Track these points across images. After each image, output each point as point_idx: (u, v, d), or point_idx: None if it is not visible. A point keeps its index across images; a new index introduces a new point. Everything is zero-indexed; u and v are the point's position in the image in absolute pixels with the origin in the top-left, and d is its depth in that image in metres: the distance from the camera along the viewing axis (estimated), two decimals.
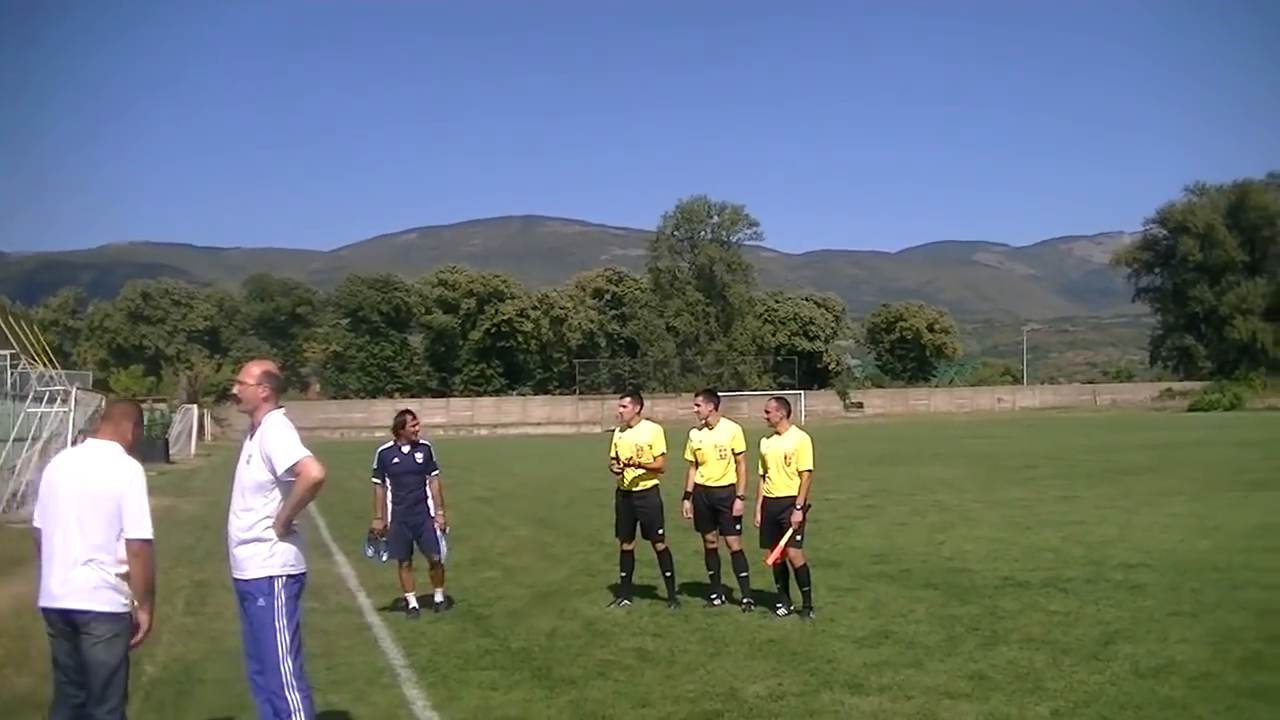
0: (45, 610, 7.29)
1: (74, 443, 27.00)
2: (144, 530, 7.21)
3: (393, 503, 13.80)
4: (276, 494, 7.52)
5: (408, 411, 14.52)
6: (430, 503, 13.98)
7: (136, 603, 7.26)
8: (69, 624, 7.21)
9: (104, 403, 7.90)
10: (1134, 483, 28.48)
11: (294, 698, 7.45)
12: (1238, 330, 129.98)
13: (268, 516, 7.50)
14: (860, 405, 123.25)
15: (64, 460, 7.69)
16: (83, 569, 7.15)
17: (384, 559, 13.77)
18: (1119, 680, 9.58)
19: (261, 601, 7.47)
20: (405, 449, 13.97)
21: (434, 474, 14.08)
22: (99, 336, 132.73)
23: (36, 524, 7.50)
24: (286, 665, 7.47)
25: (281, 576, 7.51)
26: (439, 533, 13.99)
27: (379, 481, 13.95)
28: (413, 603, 13.78)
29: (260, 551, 7.50)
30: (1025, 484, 29.30)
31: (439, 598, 14.14)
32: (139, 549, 7.18)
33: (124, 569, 7.21)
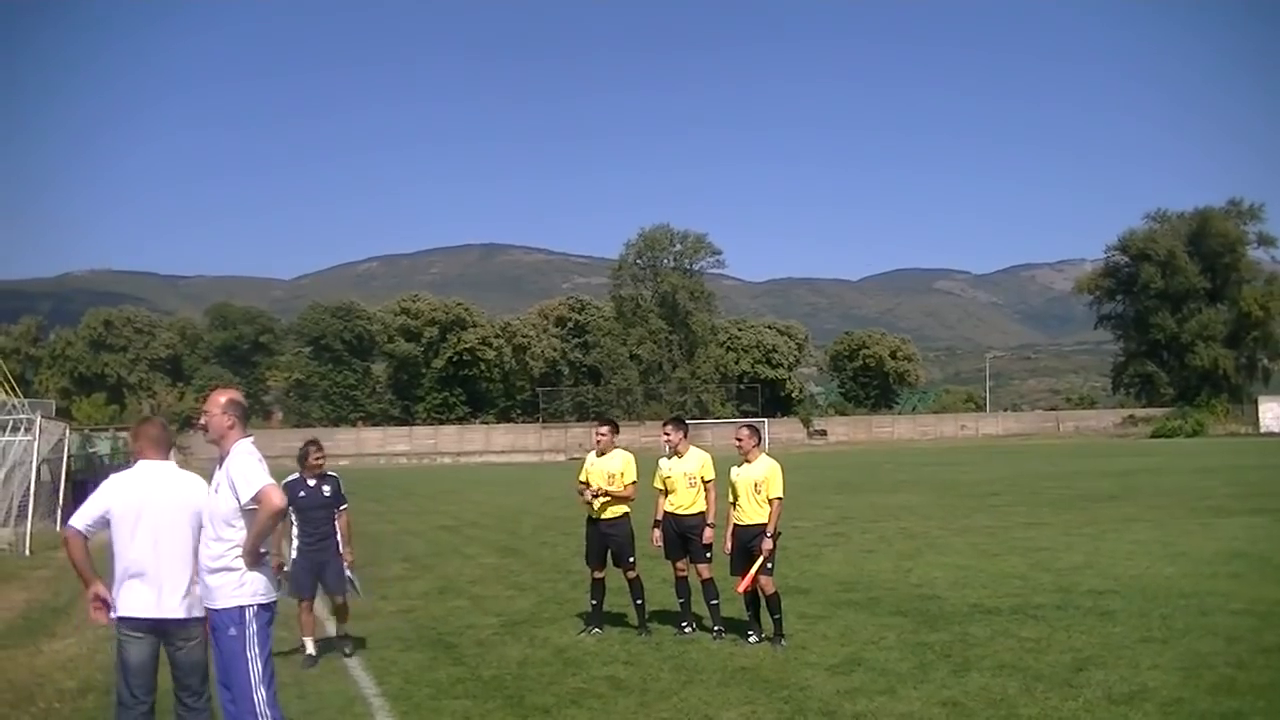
0: (130, 620, 7.68)
1: (38, 471, 26.93)
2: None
3: (299, 538, 13.07)
4: (244, 523, 7.50)
5: (312, 442, 13.54)
6: (339, 539, 13.31)
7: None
8: (159, 632, 7.71)
9: (142, 424, 7.95)
10: (1099, 509, 28.57)
11: None
12: (1199, 357, 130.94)
13: (237, 545, 7.48)
14: (824, 433, 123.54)
15: (140, 480, 7.94)
16: (179, 581, 7.66)
17: (283, 593, 13.20)
18: (1092, 707, 9.58)
19: (233, 631, 7.46)
20: (312, 482, 13.19)
21: (343, 508, 13.43)
22: (60, 365, 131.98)
23: (91, 534, 7.78)
24: (259, 694, 7.46)
25: (252, 605, 7.51)
26: (347, 571, 13.35)
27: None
28: (310, 649, 12.87)
29: (230, 581, 7.49)
30: (991, 511, 29.37)
31: (343, 635, 13.46)
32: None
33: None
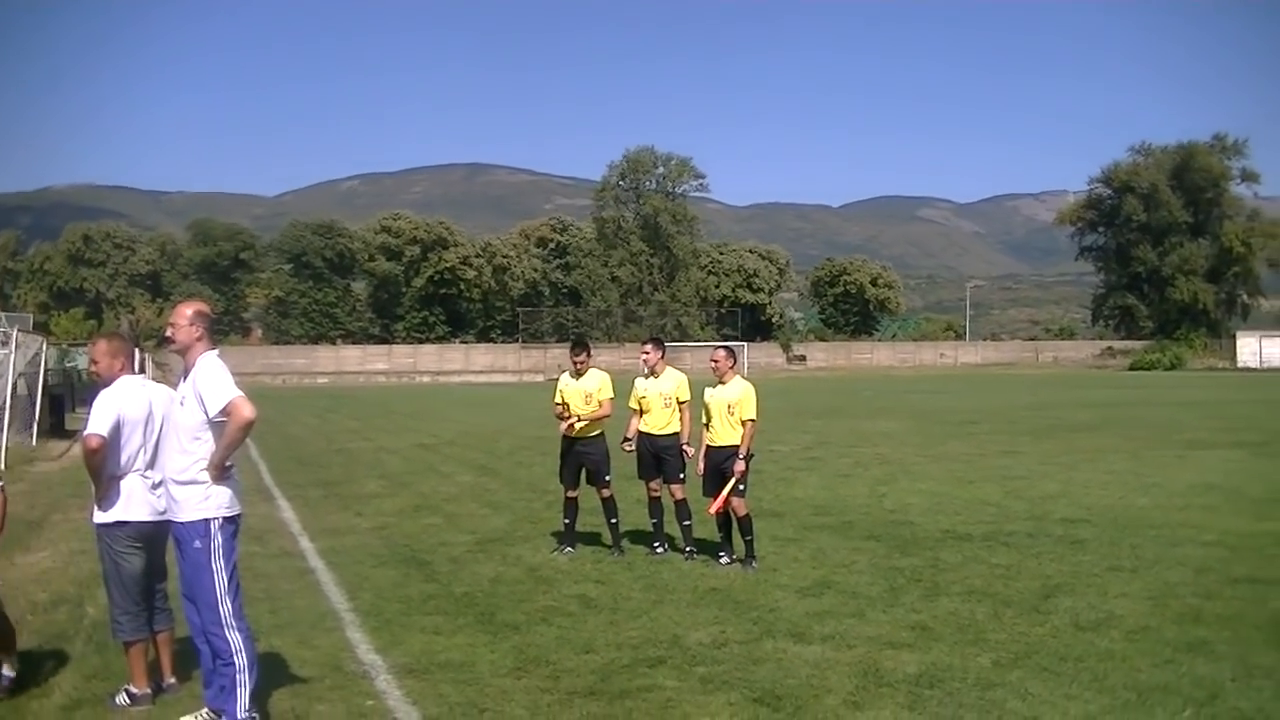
0: (132, 524, 8.01)
1: (14, 386, 26.85)
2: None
3: None
4: (210, 436, 7.47)
5: None
6: None
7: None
8: (158, 535, 8.11)
9: (114, 340, 7.89)
10: (1074, 439, 28.70)
11: (234, 638, 7.43)
12: (1180, 291, 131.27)
13: (202, 459, 7.45)
14: (803, 358, 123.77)
15: (141, 390, 8.22)
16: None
17: None
18: (1059, 633, 9.63)
19: (198, 544, 7.44)
20: None
21: None
22: (39, 279, 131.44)
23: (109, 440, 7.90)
24: (225, 606, 7.45)
25: (217, 518, 7.48)
26: None
27: None
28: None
29: (196, 494, 7.46)
30: (967, 439, 29.48)
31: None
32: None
33: None
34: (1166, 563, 12.54)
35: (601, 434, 13.82)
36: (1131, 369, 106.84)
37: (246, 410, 7.34)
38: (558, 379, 14.38)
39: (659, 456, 13.42)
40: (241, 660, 7.40)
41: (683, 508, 13.30)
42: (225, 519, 7.53)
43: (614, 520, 13.81)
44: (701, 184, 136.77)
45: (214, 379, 7.44)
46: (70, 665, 9.19)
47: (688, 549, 13.26)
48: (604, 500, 13.76)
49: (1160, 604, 10.57)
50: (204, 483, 7.45)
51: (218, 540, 7.46)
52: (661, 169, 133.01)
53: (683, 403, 13.44)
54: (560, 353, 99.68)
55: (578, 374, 13.81)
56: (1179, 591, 11.09)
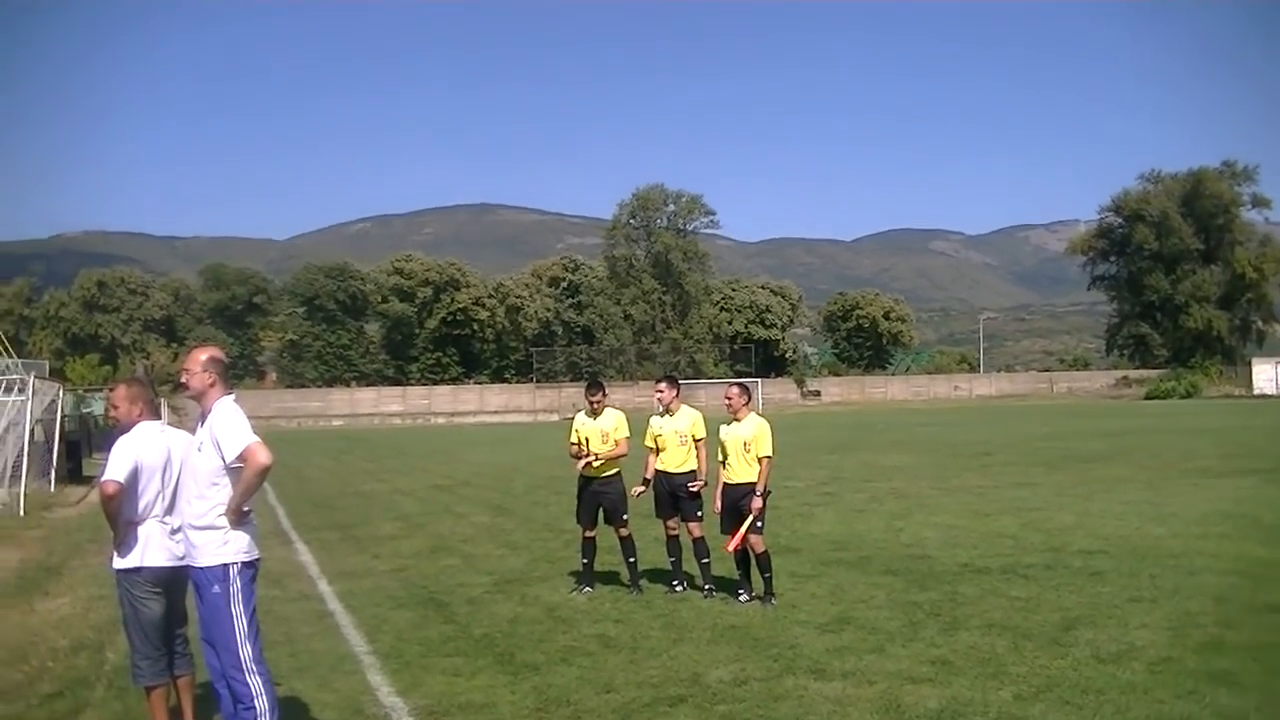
0: (150, 570, 8.04)
1: (31, 432, 26.93)
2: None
3: None
4: (228, 481, 7.50)
5: None
6: None
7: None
8: (177, 580, 8.10)
9: (134, 385, 7.94)
10: (1090, 470, 28.62)
11: (255, 681, 7.44)
12: (1193, 318, 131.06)
13: (220, 504, 7.48)
14: (817, 393, 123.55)
15: (159, 436, 8.27)
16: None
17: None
18: (1080, 665, 9.60)
19: (216, 588, 7.47)
20: None
21: None
22: (54, 325, 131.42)
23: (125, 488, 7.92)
24: (245, 650, 7.47)
25: (236, 563, 7.51)
26: None
27: None
28: None
29: (214, 539, 7.49)
30: (982, 471, 29.41)
31: None
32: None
33: None
34: (1186, 592, 12.50)
35: (618, 473, 13.81)
36: (1147, 398, 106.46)
37: (263, 456, 7.37)
38: (573, 418, 14.39)
39: (675, 494, 13.40)
40: (262, 704, 7.42)
41: (700, 545, 13.27)
42: (244, 564, 7.56)
43: (632, 559, 13.80)
44: (712, 220, 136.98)
45: (231, 424, 7.47)
46: (91, 711, 9.23)
47: (706, 586, 13.23)
48: (622, 539, 13.76)
49: (1181, 634, 10.54)
50: (222, 528, 7.48)
51: (236, 585, 7.48)
52: (672, 206, 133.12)
53: (699, 440, 13.43)
54: (574, 391, 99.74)
55: (594, 413, 13.82)
56: (1200, 621, 11.05)
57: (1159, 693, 8.72)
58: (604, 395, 13.99)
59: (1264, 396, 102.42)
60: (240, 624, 7.48)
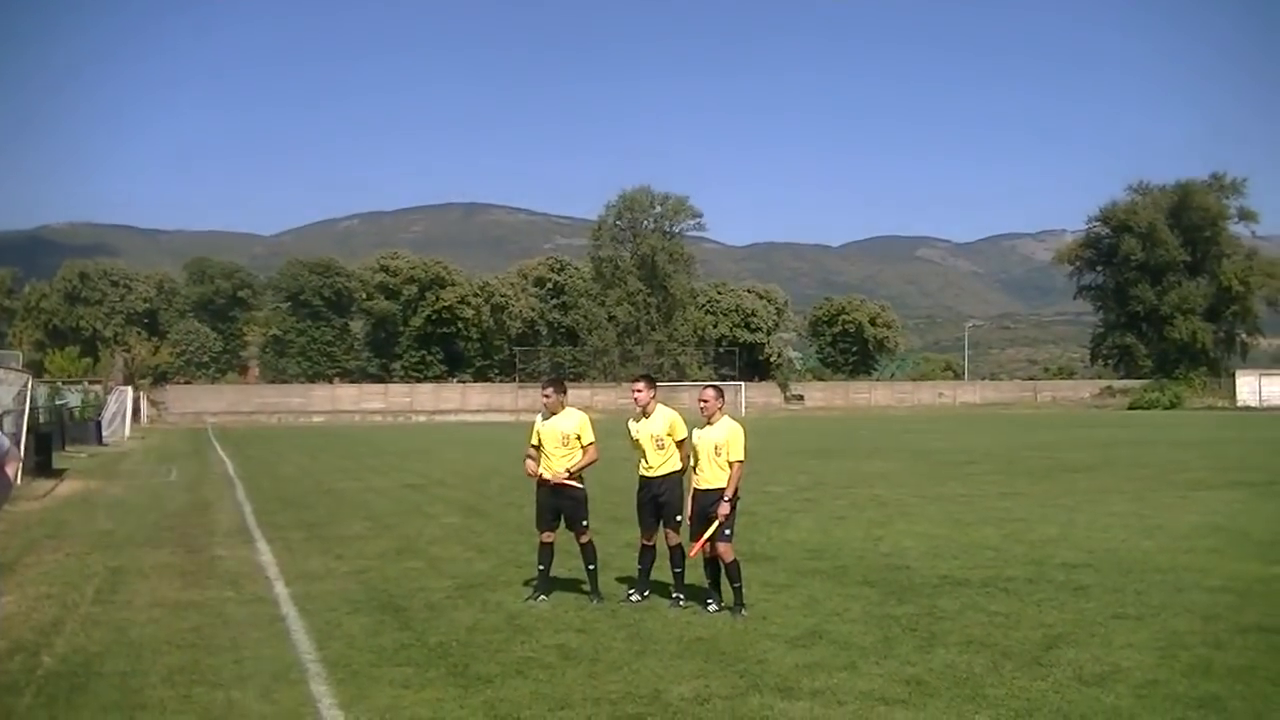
0: None
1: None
2: None
3: None
4: None
5: None
6: None
7: None
8: None
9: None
10: (1075, 480, 28.32)
11: None
12: (1178, 330, 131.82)
13: None
14: (801, 398, 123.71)
15: None
16: None
17: None
18: (1062, 688, 9.15)
19: None
20: None
21: None
22: (35, 317, 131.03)
23: None
24: None
25: None
26: None
27: None
28: None
29: None
30: (965, 480, 29.09)
31: None
32: None
33: None
34: (1173, 609, 12.09)
35: (579, 477, 13.30)
36: (1131, 408, 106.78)
37: None
38: (533, 421, 13.84)
39: (658, 500, 12.88)
40: None
41: (677, 553, 12.78)
42: None
43: (592, 566, 13.27)
44: (699, 223, 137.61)
45: None
46: None
47: (675, 595, 12.79)
48: (582, 546, 13.23)
49: (1168, 655, 10.11)
50: None
51: None
52: (659, 208, 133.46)
53: (679, 442, 12.85)
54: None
55: (550, 413, 13.29)
56: (1187, 641, 10.63)
57: (1144, 719, 8.30)
58: (559, 392, 13.41)
59: (1247, 409, 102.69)
60: None
